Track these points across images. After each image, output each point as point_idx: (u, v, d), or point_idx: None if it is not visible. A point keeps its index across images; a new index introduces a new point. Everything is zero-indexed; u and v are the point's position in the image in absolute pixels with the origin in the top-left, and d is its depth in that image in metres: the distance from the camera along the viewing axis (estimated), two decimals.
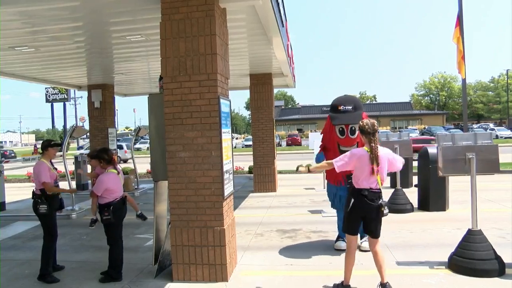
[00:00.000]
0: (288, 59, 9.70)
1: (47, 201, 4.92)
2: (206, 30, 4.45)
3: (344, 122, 5.39)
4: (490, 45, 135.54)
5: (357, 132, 5.41)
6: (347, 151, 5.40)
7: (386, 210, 3.95)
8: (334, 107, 5.55)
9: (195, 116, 4.54)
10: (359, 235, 5.71)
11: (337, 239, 5.74)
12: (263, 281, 4.61)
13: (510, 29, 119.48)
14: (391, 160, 4.08)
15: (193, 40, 4.49)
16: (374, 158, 3.89)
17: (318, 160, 5.83)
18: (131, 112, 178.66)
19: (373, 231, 4.03)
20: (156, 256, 5.01)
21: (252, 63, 9.83)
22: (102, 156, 4.95)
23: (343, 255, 5.43)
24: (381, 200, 3.96)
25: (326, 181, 6.02)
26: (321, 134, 6.05)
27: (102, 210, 4.75)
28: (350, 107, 5.44)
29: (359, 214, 4.00)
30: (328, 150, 5.68)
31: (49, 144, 5.12)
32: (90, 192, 5.01)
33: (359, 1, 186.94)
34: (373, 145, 3.93)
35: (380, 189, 4.00)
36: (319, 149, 5.95)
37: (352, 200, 4.00)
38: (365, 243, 5.56)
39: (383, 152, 4.02)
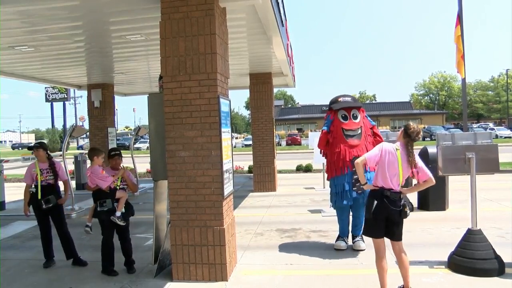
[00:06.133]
0: (288, 59, 9.70)
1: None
2: (206, 29, 4.44)
3: (345, 105, 5.65)
4: (490, 44, 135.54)
5: (359, 118, 5.61)
6: (352, 135, 5.48)
7: (408, 211, 3.85)
8: (334, 100, 5.84)
9: (195, 115, 4.54)
10: (351, 234, 5.77)
11: (337, 239, 5.74)
12: (263, 281, 4.61)
13: (510, 28, 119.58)
14: (420, 167, 3.88)
15: (192, 40, 4.48)
16: (411, 162, 3.82)
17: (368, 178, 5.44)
18: (131, 112, 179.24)
19: (396, 234, 3.92)
20: (156, 255, 5.01)
21: (252, 62, 9.83)
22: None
23: (342, 254, 5.45)
24: (403, 200, 3.86)
25: (329, 180, 5.93)
26: (321, 130, 6.03)
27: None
28: (350, 99, 5.79)
29: (383, 215, 3.85)
30: (332, 137, 5.62)
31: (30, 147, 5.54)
32: (123, 188, 5.13)
33: (359, 0, 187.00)
34: (410, 148, 3.86)
35: (399, 190, 3.90)
36: (318, 145, 5.89)
37: (375, 202, 3.86)
38: (359, 242, 5.57)
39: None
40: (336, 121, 5.62)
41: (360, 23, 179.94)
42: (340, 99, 5.75)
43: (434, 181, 3.93)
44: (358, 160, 4.01)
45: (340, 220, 5.79)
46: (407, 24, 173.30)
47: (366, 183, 4.08)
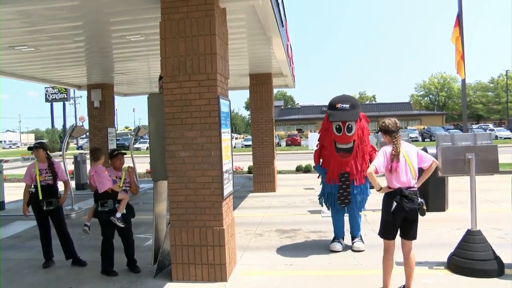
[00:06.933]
0: (288, 59, 9.70)
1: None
2: (206, 30, 4.45)
3: (341, 119, 5.40)
4: (490, 45, 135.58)
5: (354, 130, 5.44)
6: (343, 148, 5.46)
7: (425, 208, 3.87)
8: (331, 105, 5.58)
9: (194, 115, 4.54)
10: (350, 235, 5.76)
11: (333, 241, 5.72)
12: (262, 281, 4.61)
13: (509, 29, 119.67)
14: (420, 154, 4.01)
15: (192, 40, 4.49)
16: (395, 155, 3.85)
17: (320, 172, 5.86)
18: (131, 112, 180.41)
19: (411, 232, 3.93)
20: (155, 255, 5.01)
21: (251, 63, 9.84)
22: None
23: (342, 255, 5.45)
24: (419, 198, 3.87)
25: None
26: (318, 133, 6.05)
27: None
28: (348, 105, 5.46)
29: (401, 216, 3.85)
30: (325, 149, 5.67)
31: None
32: (125, 190, 5.10)
33: (359, 1, 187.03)
34: (396, 142, 3.89)
35: (415, 187, 3.93)
36: (315, 148, 5.94)
37: (394, 204, 3.81)
38: (358, 243, 5.57)
39: (409, 147, 3.99)
40: (330, 130, 5.50)
41: (360, 23, 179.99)
42: (338, 105, 5.46)
43: (436, 161, 4.05)
44: (370, 170, 3.91)
45: (334, 220, 5.78)
46: (407, 24, 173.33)
47: (381, 188, 3.99)
